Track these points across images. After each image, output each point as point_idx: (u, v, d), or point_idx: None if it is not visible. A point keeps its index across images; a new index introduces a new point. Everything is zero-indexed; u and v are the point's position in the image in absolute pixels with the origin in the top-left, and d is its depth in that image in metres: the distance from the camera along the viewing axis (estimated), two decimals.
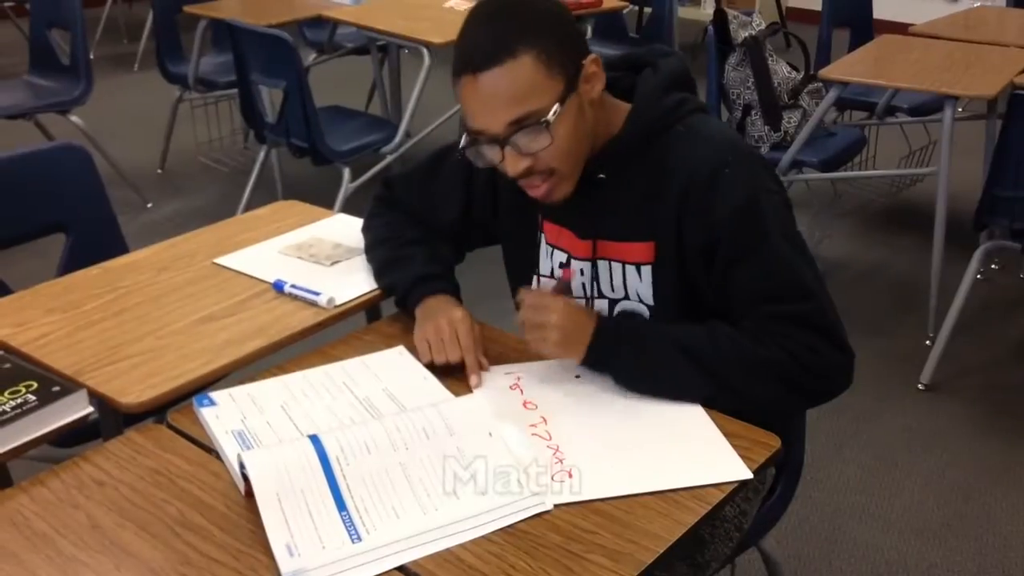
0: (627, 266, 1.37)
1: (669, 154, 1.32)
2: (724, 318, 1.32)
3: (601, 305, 1.41)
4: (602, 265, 1.39)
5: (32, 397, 1.21)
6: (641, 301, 1.38)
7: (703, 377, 1.27)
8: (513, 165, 1.27)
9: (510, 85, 1.22)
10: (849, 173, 3.66)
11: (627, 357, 1.29)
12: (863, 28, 3.82)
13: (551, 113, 1.23)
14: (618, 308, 1.40)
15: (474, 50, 1.23)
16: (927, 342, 2.85)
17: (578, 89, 1.26)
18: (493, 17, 1.25)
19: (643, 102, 1.34)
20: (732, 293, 1.32)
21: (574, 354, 1.30)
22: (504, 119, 1.23)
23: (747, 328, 1.29)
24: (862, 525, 2.22)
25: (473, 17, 1.27)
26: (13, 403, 1.19)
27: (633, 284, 1.37)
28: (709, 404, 1.27)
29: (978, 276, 3.18)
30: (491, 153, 1.28)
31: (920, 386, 2.72)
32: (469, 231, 1.55)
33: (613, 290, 1.39)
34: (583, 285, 1.41)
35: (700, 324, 1.31)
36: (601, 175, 1.35)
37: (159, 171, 4.28)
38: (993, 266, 3.36)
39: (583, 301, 1.41)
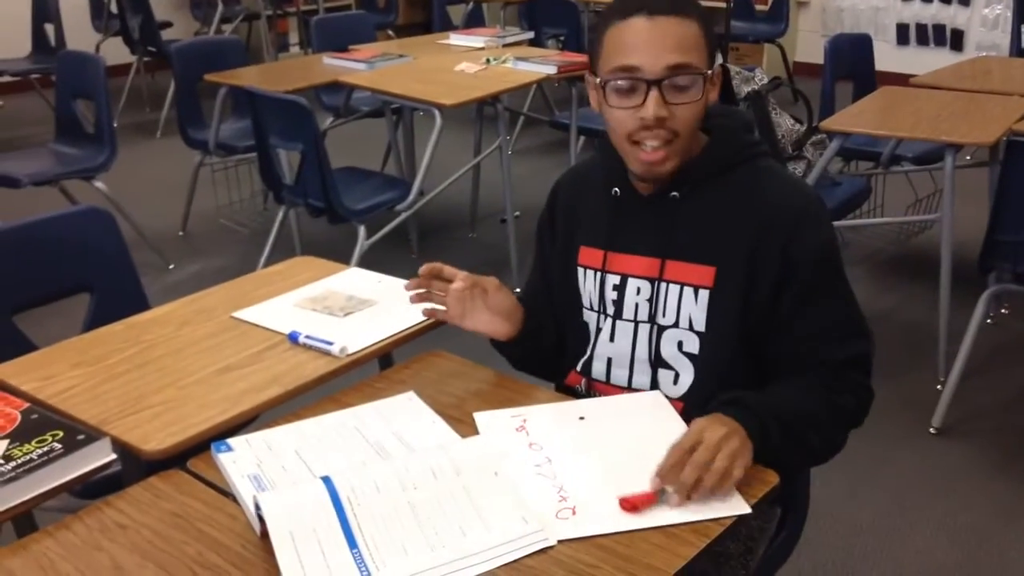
0: (686, 288, 1.41)
1: (753, 184, 1.41)
2: (772, 349, 1.40)
3: (645, 331, 1.45)
4: (662, 287, 1.43)
5: (58, 445, 1.27)
6: (692, 328, 1.42)
7: (818, 438, 1.35)
8: (656, 109, 1.32)
9: (682, 35, 1.33)
10: (855, 221, 3.70)
11: (776, 437, 1.27)
12: (866, 80, 3.90)
13: (710, 71, 1.34)
14: (665, 336, 1.44)
15: None
16: (938, 386, 2.86)
17: (709, 84, 1.37)
18: None
19: (723, 133, 1.44)
20: (796, 325, 1.38)
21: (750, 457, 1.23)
22: (668, 60, 1.31)
23: (819, 377, 1.37)
24: (875, 569, 2.22)
25: None
26: (40, 451, 1.25)
27: (688, 309, 1.41)
28: (818, 461, 1.39)
29: (988, 320, 3.21)
30: (628, 97, 1.34)
31: (932, 430, 2.73)
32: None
33: (665, 315, 1.43)
34: (636, 306, 1.46)
35: (787, 385, 1.37)
36: (675, 193, 1.42)
37: (180, 234, 4.39)
38: (1003, 310, 3.38)
39: (632, 324, 1.46)
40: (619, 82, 1.34)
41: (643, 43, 1.32)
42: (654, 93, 1.32)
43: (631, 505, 1.16)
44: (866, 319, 1.43)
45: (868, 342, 1.42)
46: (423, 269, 1.48)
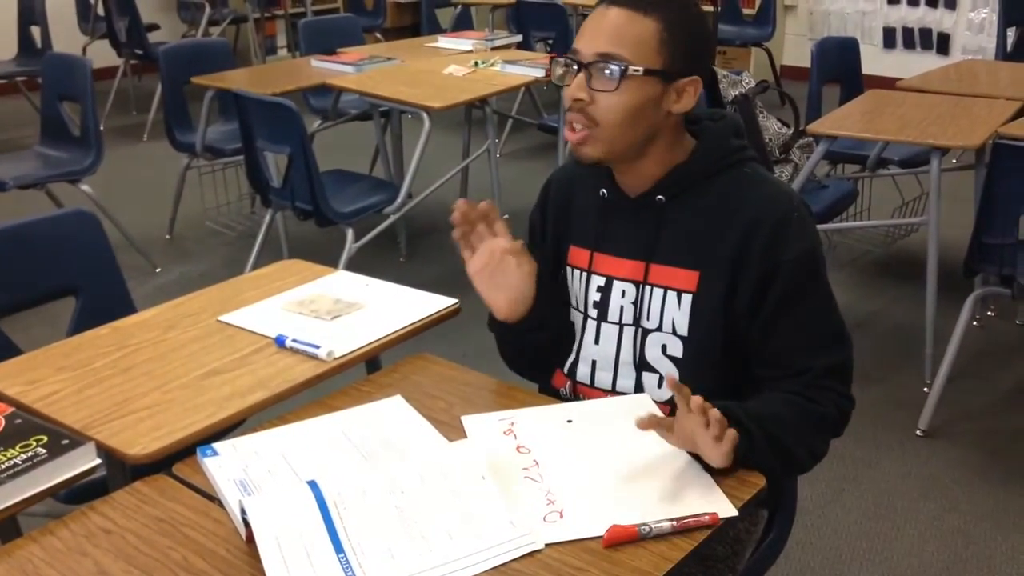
0: (669, 292, 1.42)
1: (737, 190, 1.40)
2: (752, 354, 1.40)
3: (630, 334, 1.45)
4: (646, 290, 1.43)
5: (42, 450, 1.26)
6: (675, 332, 1.42)
7: (801, 448, 1.35)
8: (573, 90, 1.35)
9: (625, 28, 1.33)
10: (842, 224, 3.71)
11: (761, 447, 1.28)
12: (852, 83, 3.91)
13: (633, 68, 1.32)
14: (649, 339, 1.44)
15: None
16: (924, 388, 2.88)
17: (667, 88, 1.35)
18: None
19: (711, 138, 1.44)
20: (776, 330, 1.38)
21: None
22: (598, 47, 1.33)
23: (799, 386, 1.36)
24: (863, 571, 2.23)
25: None
26: (24, 456, 1.24)
27: (671, 313, 1.42)
28: (801, 471, 1.39)
29: (975, 323, 3.23)
30: (567, 77, 1.37)
31: (918, 432, 2.74)
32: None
33: (649, 319, 1.43)
34: (621, 308, 1.46)
35: (769, 396, 1.37)
36: (660, 197, 1.42)
37: (167, 237, 4.37)
38: (989, 312, 3.40)
39: (617, 327, 1.46)
40: (562, 62, 1.38)
41: (590, 28, 1.36)
42: (580, 75, 1.35)
43: (611, 538, 1.13)
44: (847, 326, 1.43)
45: (848, 350, 1.41)
46: (484, 205, 1.43)
